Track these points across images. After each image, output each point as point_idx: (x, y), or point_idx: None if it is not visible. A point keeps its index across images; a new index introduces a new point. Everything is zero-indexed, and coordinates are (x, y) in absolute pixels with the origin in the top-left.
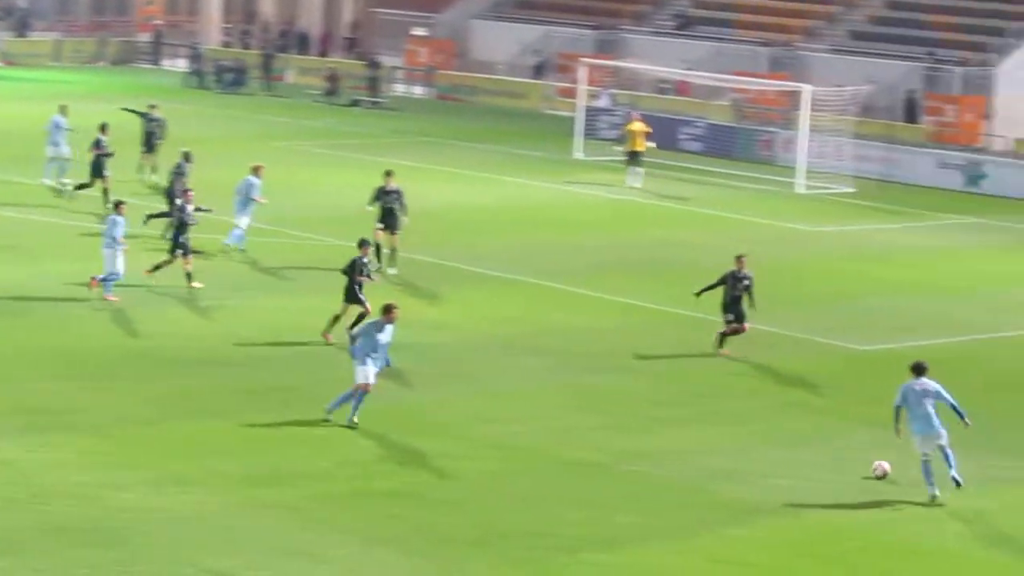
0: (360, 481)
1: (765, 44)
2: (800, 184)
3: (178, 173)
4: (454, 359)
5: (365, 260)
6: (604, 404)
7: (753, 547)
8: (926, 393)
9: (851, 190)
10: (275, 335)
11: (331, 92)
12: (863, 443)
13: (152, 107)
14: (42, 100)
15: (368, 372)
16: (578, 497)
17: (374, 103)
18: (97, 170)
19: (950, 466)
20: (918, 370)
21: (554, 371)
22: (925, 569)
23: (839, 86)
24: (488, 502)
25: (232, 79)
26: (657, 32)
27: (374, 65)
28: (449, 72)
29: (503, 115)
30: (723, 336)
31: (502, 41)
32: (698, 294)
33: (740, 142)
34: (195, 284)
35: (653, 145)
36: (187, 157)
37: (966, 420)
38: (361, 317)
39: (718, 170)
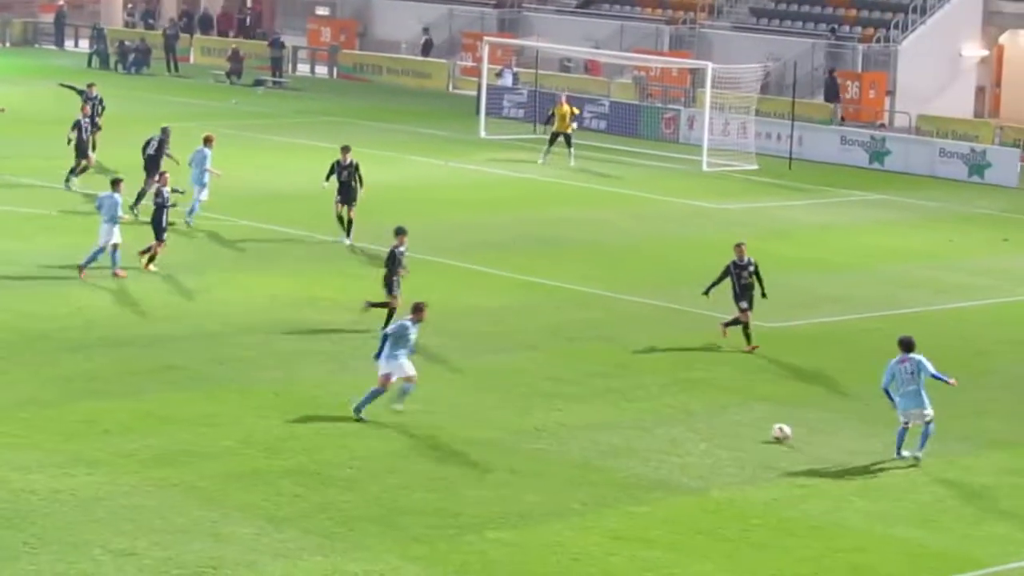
0: (263, 460)
1: (668, 22)
2: (704, 162)
3: (161, 143)
4: (346, 338)
5: (402, 249)
6: (504, 383)
7: (655, 524)
8: (912, 368)
9: (755, 167)
10: (178, 315)
11: (234, 72)
12: (762, 419)
13: (90, 85)
14: None
15: (405, 365)
16: (480, 476)
17: (277, 83)
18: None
19: (921, 446)
20: (906, 345)
21: (455, 351)
22: (827, 546)
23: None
24: (391, 481)
25: (135, 60)
26: (560, 10)
27: (277, 45)
28: (352, 52)
29: (407, 95)
30: (728, 325)
31: (405, 20)
32: (706, 292)
33: (644, 120)
34: (152, 267)
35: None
36: (166, 132)
37: (950, 382)
38: (391, 313)
39: (623, 148)
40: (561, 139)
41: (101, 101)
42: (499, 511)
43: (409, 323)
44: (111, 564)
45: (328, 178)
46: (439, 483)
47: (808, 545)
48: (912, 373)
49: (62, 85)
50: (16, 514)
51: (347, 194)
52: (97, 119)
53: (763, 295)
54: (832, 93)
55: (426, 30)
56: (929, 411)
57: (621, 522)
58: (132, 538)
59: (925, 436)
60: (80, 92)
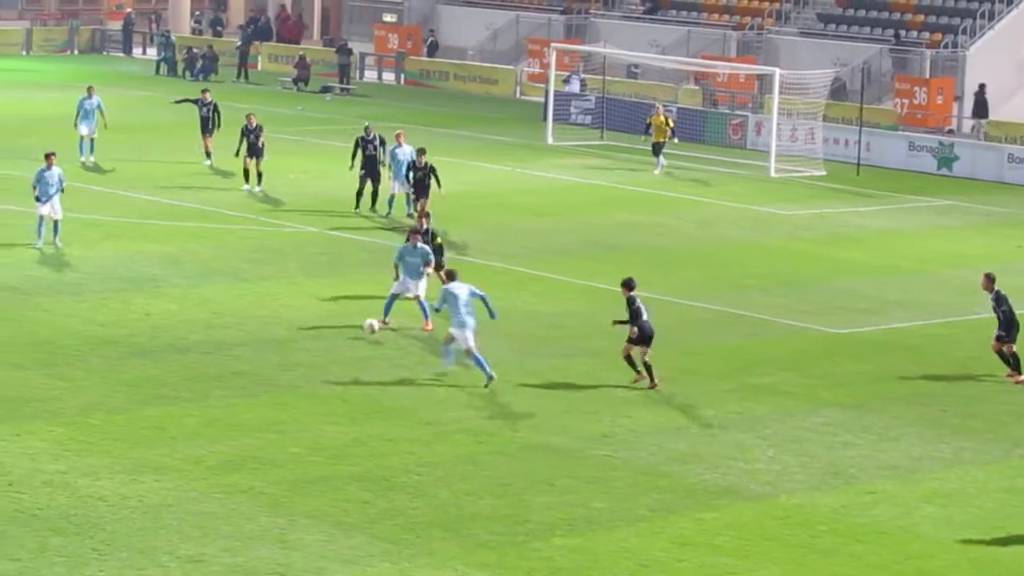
0: (330, 466)
1: (735, 28)
2: (772, 167)
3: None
4: (414, 344)
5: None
6: (571, 388)
7: (722, 530)
8: None
9: (822, 173)
10: (244, 321)
11: (301, 79)
12: (828, 424)
13: (204, 92)
14: (12, 89)
15: (467, 335)
16: (547, 481)
17: (344, 90)
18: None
19: None
20: None
21: (521, 356)
22: (896, 552)
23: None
24: (457, 487)
25: (203, 66)
26: (627, 16)
27: (344, 52)
28: (418, 58)
29: (474, 100)
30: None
31: (471, 26)
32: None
33: (711, 126)
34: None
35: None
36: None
37: None
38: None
39: (690, 154)
40: (657, 148)
41: (216, 107)
42: (566, 517)
43: (451, 289)
44: (179, 570)
45: (354, 155)
46: (506, 489)
47: (876, 552)
48: None
49: (176, 102)
50: (85, 520)
51: (372, 168)
52: (212, 126)
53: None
54: (982, 109)
55: (431, 31)
56: None
57: (688, 528)
58: (200, 544)
59: None
60: (195, 101)
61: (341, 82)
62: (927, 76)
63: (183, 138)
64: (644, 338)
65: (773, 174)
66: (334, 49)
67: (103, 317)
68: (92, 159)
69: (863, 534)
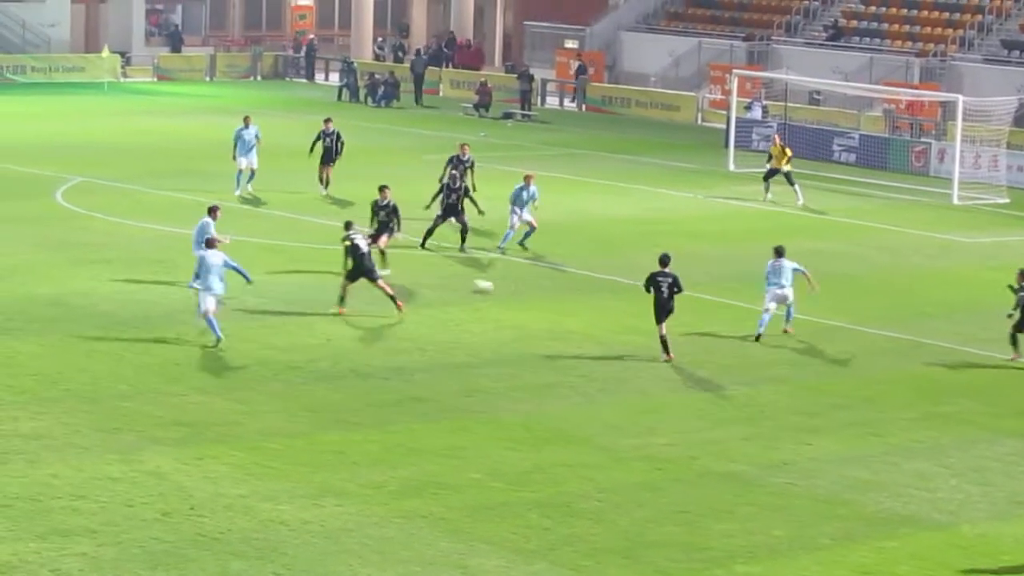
0: (509, 492)
1: (917, 54)
2: (955, 195)
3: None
4: (595, 370)
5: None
6: (752, 416)
7: (903, 559)
8: None
9: (1006, 201)
10: (425, 347)
11: (483, 105)
12: (1012, 454)
13: (327, 121)
14: (197, 115)
15: (209, 299)
16: (727, 509)
17: (525, 116)
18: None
19: None
20: None
21: (698, 382)
22: None
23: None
24: (636, 513)
25: (385, 93)
26: (808, 43)
27: (526, 78)
28: (600, 84)
29: (655, 127)
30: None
31: (652, 53)
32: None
33: (894, 153)
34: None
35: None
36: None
37: None
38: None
39: (872, 181)
40: (782, 177)
41: (339, 136)
42: (746, 544)
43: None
44: None
45: (312, 148)
46: (686, 516)
47: None
48: None
49: (312, 150)
50: (267, 544)
51: (328, 157)
52: (335, 156)
53: None
54: None
55: (579, 55)
56: None
57: (869, 557)
58: (380, 569)
59: None
60: (319, 135)
61: (522, 108)
62: None
63: (365, 163)
64: None
65: (956, 201)
66: (515, 75)
67: (284, 342)
68: (250, 188)
69: None
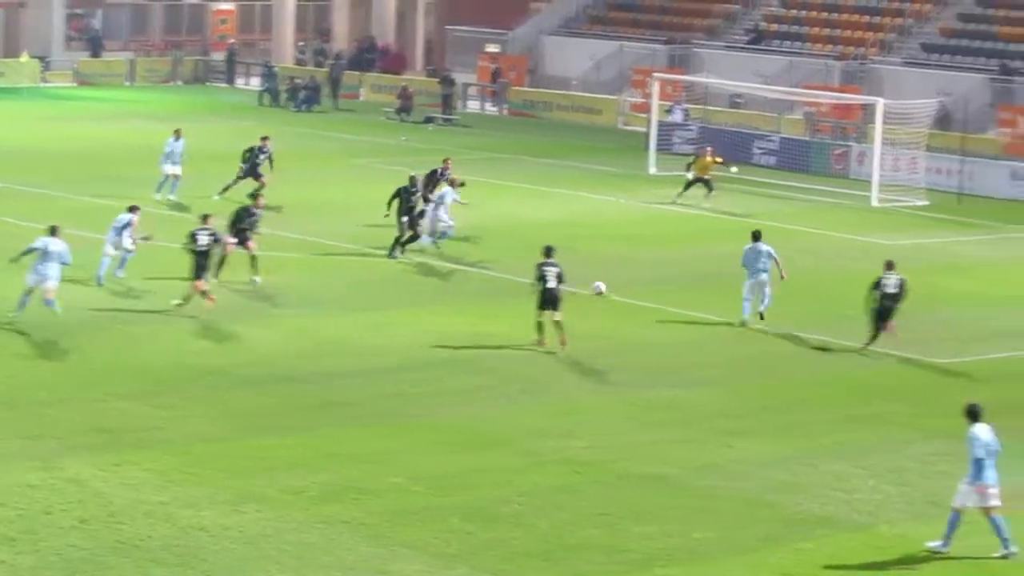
0: (430, 496)
1: (838, 57)
2: (874, 197)
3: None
4: (519, 374)
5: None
6: (675, 418)
7: (823, 560)
8: None
9: (925, 203)
10: (348, 351)
11: (404, 109)
12: (932, 455)
13: (264, 139)
14: (117, 120)
15: (46, 286)
16: (648, 512)
17: (447, 120)
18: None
19: None
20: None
21: (621, 385)
22: None
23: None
24: (557, 517)
25: (306, 97)
26: (730, 46)
27: (447, 82)
28: (521, 88)
29: (576, 131)
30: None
31: (574, 56)
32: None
33: (814, 156)
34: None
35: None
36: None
37: None
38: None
39: (793, 184)
40: (701, 184)
41: (270, 157)
42: (667, 547)
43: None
44: None
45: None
46: (606, 519)
47: None
48: None
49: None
50: (186, 551)
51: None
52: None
53: None
54: None
55: (494, 59)
56: None
57: (788, 558)
58: (299, 574)
59: None
60: (249, 150)
61: (444, 112)
62: None
63: (290, 168)
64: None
65: (876, 203)
66: (437, 80)
67: (205, 347)
68: (172, 197)
69: (962, 565)
